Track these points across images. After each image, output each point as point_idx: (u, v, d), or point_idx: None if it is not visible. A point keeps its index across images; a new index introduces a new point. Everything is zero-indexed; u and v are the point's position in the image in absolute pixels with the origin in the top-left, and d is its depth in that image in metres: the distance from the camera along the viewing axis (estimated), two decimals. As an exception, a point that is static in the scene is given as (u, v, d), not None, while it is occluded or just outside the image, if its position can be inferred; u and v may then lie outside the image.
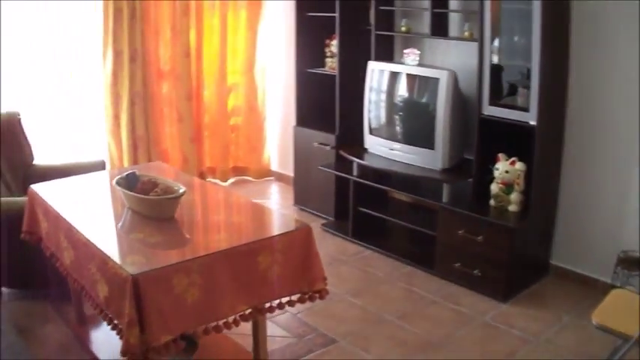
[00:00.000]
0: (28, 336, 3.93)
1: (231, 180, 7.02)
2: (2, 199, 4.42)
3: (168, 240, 3.23)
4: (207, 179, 6.89)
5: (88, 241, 3.05)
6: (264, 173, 7.09)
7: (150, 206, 3.38)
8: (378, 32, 5.18)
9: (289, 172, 6.48)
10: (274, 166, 7.09)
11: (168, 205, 3.36)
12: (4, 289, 4.52)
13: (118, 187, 3.48)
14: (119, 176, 3.59)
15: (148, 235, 3.20)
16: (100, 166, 5.15)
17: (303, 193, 6.10)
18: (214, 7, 6.60)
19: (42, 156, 5.56)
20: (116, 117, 6.39)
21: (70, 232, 3.26)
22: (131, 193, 3.41)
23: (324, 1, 5.52)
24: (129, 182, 3.52)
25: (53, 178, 4.36)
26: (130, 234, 3.33)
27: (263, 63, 6.86)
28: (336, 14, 5.38)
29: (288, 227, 3.38)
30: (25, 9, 6.04)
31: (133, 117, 6.40)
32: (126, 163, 6.42)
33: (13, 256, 4.19)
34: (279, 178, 6.96)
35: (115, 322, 2.85)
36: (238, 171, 7.10)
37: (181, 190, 3.38)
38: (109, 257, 2.85)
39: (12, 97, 6.10)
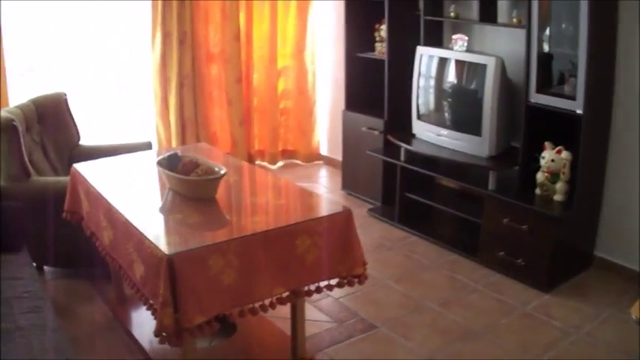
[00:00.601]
0: (67, 315, 4.13)
1: (280, 163, 7.24)
2: (47, 178, 4.67)
3: (207, 221, 3.34)
4: (256, 162, 7.13)
5: (127, 220, 3.18)
6: (314, 157, 7.27)
7: (190, 187, 3.50)
8: (427, 17, 5.31)
9: (338, 156, 6.65)
10: (323, 150, 7.28)
11: (209, 186, 3.47)
12: (47, 268, 4.77)
13: (160, 167, 3.62)
14: (161, 156, 3.74)
15: (187, 216, 3.34)
16: (146, 147, 5.31)
17: (351, 178, 6.28)
18: (263, -11, 6.75)
19: (90, 137, 5.83)
20: (165, 99, 6.64)
21: (110, 212, 3.39)
22: (172, 173, 3.54)
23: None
24: (170, 163, 3.64)
25: (99, 158, 4.49)
26: (170, 214, 3.47)
27: (313, 46, 7.03)
28: (385, -1, 5.52)
29: (328, 210, 3.44)
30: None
31: (182, 99, 6.65)
32: (174, 146, 6.65)
33: (57, 235, 4.39)
34: (328, 162, 7.15)
35: (151, 302, 2.93)
36: (287, 154, 7.31)
37: (222, 172, 3.49)
38: (146, 237, 2.95)
39: (60, 77, 6.40)
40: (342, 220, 3.25)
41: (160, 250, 2.79)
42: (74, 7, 6.37)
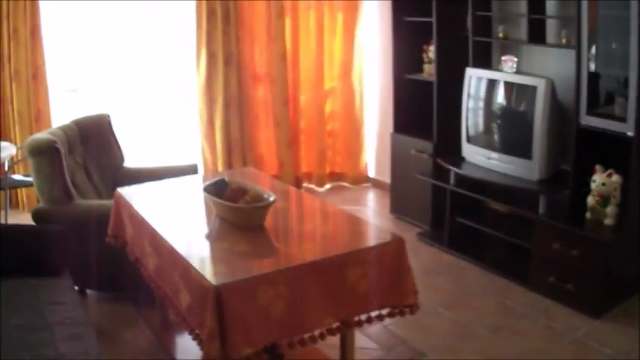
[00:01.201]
0: (110, 340, 4.24)
1: (327, 186, 7.42)
2: (90, 201, 4.80)
3: (255, 249, 3.36)
4: (304, 185, 7.32)
5: (172, 248, 3.22)
6: (361, 180, 7.42)
7: (238, 214, 3.51)
8: (476, 38, 5.44)
9: (386, 179, 6.77)
10: (371, 173, 7.43)
11: (257, 214, 3.48)
12: (89, 292, 4.91)
13: (206, 194, 3.63)
14: (208, 182, 3.76)
15: (235, 244, 3.36)
16: (192, 170, 5.43)
17: (399, 201, 6.41)
18: (310, 10, 7.00)
19: (134, 159, 6.02)
20: (210, 121, 6.89)
21: (154, 239, 3.45)
22: (219, 200, 3.55)
23: (421, 6, 5.79)
24: (218, 189, 3.66)
25: (143, 181, 4.62)
26: (216, 242, 3.52)
27: (360, 67, 7.20)
28: (433, 19, 5.65)
29: (380, 239, 3.47)
30: (122, 11, 6.61)
31: (228, 121, 6.89)
32: (220, 168, 6.90)
33: (100, 258, 4.49)
34: (376, 184, 7.30)
35: (197, 332, 2.95)
36: (335, 177, 7.48)
37: (271, 199, 3.50)
38: (192, 266, 2.99)
39: (104, 98, 6.67)
40: (394, 249, 3.29)
41: (207, 281, 2.82)
42: (119, 28, 6.68)
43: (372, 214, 6.64)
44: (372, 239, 3.56)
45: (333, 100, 7.31)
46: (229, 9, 6.67)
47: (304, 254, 3.27)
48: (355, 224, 3.75)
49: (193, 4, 6.64)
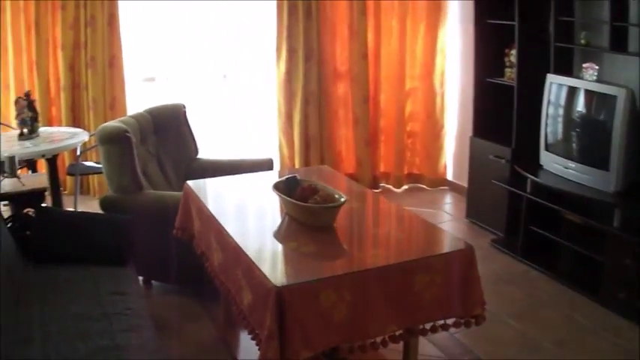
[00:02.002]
0: (171, 332, 4.38)
1: (404, 187, 7.51)
2: (159, 192, 4.93)
3: (322, 251, 3.38)
4: (381, 185, 7.42)
5: (237, 244, 3.26)
6: (439, 182, 7.48)
7: (307, 214, 3.53)
8: (557, 44, 5.44)
9: (464, 182, 6.81)
10: (449, 176, 7.48)
11: (327, 214, 3.51)
12: (155, 283, 5.07)
13: (276, 191, 3.67)
14: (279, 180, 3.83)
15: (302, 244, 3.40)
16: (267, 165, 5.52)
17: (475, 206, 6.46)
18: (393, 8, 7.08)
19: (210, 151, 6.18)
20: (289, 116, 7.05)
21: (221, 234, 3.50)
22: (288, 198, 3.58)
23: (505, 8, 5.80)
24: (289, 186, 3.70)
25: (216, 174, 4.74)
26: (283, 241, 3.57)
27: (442, 69, 7.26)
28: (515, 22, 5.67)
29: (450, 247, 3.49)
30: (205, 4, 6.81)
31: (307, 116, 7.04)
32: (297, 164, 7.06)
33: (167, 250, 4.58)
34: (454, 188, 7.35)
35: (256, 331, 2.97)
36: (413, 178, 7.56)
37: (342, 200, 3.51)
38: (255, 265, 3.02)
39: (181, 88, 6.94)
40: (464, 258, 3.27)
41: (270, 281, 2.85)
42: (198, 18, 6.92)
43: (447, 218, 6.72)
44: (442, 246, 3.56)
45: (414, 101, 7.38)
46: (311, 4, 6.82)
47: (371, 259, 3.29)
48: (426, 230, 3.75)
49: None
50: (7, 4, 6.56)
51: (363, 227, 3.81)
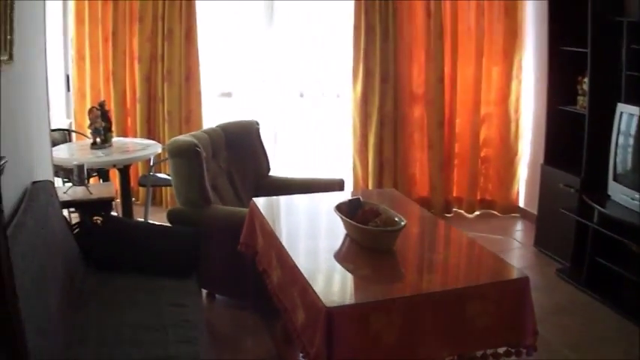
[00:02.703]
0: (230, 346, 4.47)
1: (476, 212, 7.49)
2: (226, 207, 5.03)
3: (378, 274, 3.44)
4: (453, 209, 7.42)
5: (294, 263, 3.35)
6: (511, 209, 7.43)
7: (366, 236, 3.58)
8: (629, 72, 5.36)
9: (535, 210, 6.75)
10: (521, 203, 7.43)
11: (386, 238, 3.55)
12: (218, 296, 5.16)
13: (338, 213, 3.73)
14: (342, 201, 3.86)
15: (359, 267, 3.50)
16: (338, 185, 5.58)
17: (544, 235, 6.41)
18: (470, 32, 7.12)
19: (283, 168, 6.29)
20: (364, 137, 7.14)
21: (280, 252, 3.58)
22: (349, 220, 3.63)
23: (578, 35, 5.75)
24: (351, 208, 3.75)
25: (287, 192, 4.85)
26: (342, 263, 3.61)
27: (517, 95, 7.23)
28: (588, 50, 5.62)
29: (504, 276, 3.46)
30: (279, 19, 7.05)
31: (382, 139, 7.12)
32: (370, 185, 7.15)
33: (231, 265, 4.68)
34: (525, 215, 7.29)
35: (307, 350, 3.02)
36: (485, 204, 7.55)
37: (402, 224, 3.54)
38: (310, 284, 3.09)
39: (256, 105, 7.13)
40: (518, 288, 3.28)
41: (321, 301, 2.92)
42: (276, 37, 7.11)
43: (516, 245, 6.69)
44: (497, 275, 3.51)
45: (489, 126, 7.39)
46: (388, 26, 6.91)
47: (425, 284, 3.34)
48: (484, 257, 3.77)
49: (352, 17, 6.93)
50: (86, 15, 6.84)
51: (421, 252, 3.84)
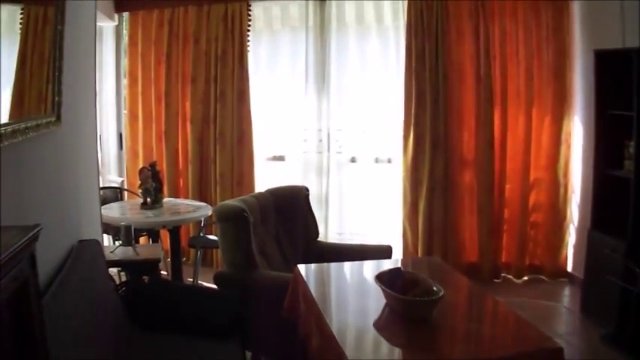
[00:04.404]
0: None
1: (524, 278, 7.45)
2: (272, 273, 5.03)
3: (412, 344, 3.45)
4: (502, 274, 7.41)
5: (331, 331, 3.39)
6: (560, 274, 7.38)
7: (404, 306, 3.60)
8: (674, 137, 5.35)
9: (582, 275, 6.68)
10: (569, 268, 7.38)
11: (423, 308, 3.56)
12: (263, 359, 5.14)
13: (378, 282, 3.72)
14: (383, 270, 3.88)
15: (395, 335, 3.54)
16: (386, 252, 5.57)
17: (590, 300, 6.35)
18: (519, 97, 7.20)
19: (334, 233, 6.35)
20: (414, 203, 7.22)
21: (319, 320, 3.62)
22: (388, 290, 3.63)
23: (626, 99, 5.74)
24: (391, 278, 3.73)
25: (334, 258, 4.86)
26: (378, 331, 3.61)
27: (566, 159, 7.24)
28: (634, 113, 5.62)
29: (539, 346, 3.40)
30: (331, 83, 7.23)
31: (432, 204, 7.18)
32: (420, 250, 7.18)
33: (277, 329, 4.62)
34: (573, 280, 7.22)
35: None
36: (533, 269, 7.51)
37: (440, 294, 3.53)
38: (345, 354, 3.11)
39: (309, 170, 7.23)
40: (552, 358, 3.27)
41: None
42: (329, 104, 7.29)
43: (562, 311, 6.64)
44: (532, 345, 3.45)
45: (538, 191, 7.40)
46: (439, 91, 7.03)
47: (457, 354, 3.35)
48: (521, 326, 3.72)
49: (403, 82, 7.09)
50: (139, 75, 7.09)
51: (458, 321, 3.82)
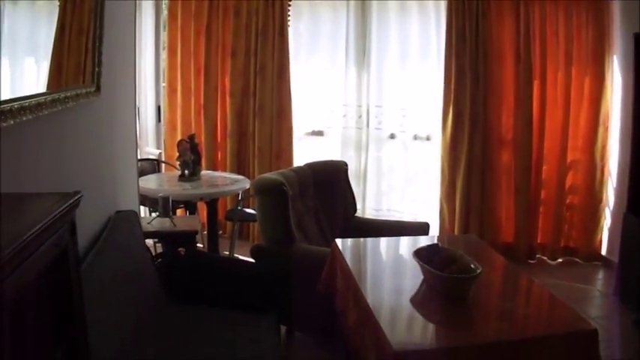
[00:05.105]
0: None
1: (559, 260, 7.46)
2: (310, 247, 5.09)
3: (449, 321, 3.49)
4: (537, 256, 7.40)
5: (368, 305, 3.42)
6: (594, 257, 7.36)
7: (441, 283, 3.61)
8: None
9: (617, 259, 6.68)
10: (604, 251, 7.37)
11: (460, 285, 3.57)
12: (297, 333, 5.22)
13: (416, 258, 3.74)
14: (420, 246, 3.93)
15: (432, 312, 3.57)
16: (422, 228, 5.64)
17: (624, 284, 6.32)
18: (558, 78, 7.16)
19: (371, 209, 6.37)
20: (452, 182, 7.25)
21: (357, 293, 3.66)
22: (425, 266, 3.65)
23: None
24: (429, 254, 3.77)
25: (371, 234, 4.90)
26: (415, 308, 3.67)
27: (604, 141, 7.21)
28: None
29: (573, 327, 3.41)
30: (378, 65, 7.26)
31: (470, 183, 7.20)
32: (457, 229, 7.22)
33: (312, 303, 4.63)
34: (607, 263, 7.21)
35: None
36: (568, 251, 7.50)
37: (477, 271, 3.53)
38: (381, 327, 3.14)
39: (348, 145, 7.27)
40: (586, 340, 3.27)
41: (389, 344, 2.98)
42: (369, 80, 7.31)
43: (595, 294, 6.66)
44: (566, 326, 3.47)
45: (575, 173, 7.38)
46: (479, 70, 7.03)
47: (492, 332, 3.34)
48: (556, 307, 3.75)
49: (443, 60, 7.11)
50: (178, 47, 7.14)
51: (494, 300, 3.85)
